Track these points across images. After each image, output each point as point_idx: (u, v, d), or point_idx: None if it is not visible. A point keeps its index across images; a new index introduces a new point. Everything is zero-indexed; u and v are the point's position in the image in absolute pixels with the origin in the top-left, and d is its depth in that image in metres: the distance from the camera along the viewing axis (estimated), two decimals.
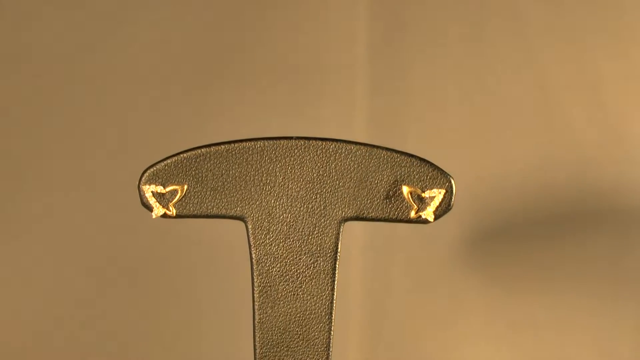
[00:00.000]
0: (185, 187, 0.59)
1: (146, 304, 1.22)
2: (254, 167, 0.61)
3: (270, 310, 0.61)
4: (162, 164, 0.60)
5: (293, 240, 0.62)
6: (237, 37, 1.21)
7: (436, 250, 1.24)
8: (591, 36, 1.20)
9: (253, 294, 0.60)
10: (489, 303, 1.23)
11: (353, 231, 1.23)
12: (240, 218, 0.60)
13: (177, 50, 1.21)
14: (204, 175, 0.60)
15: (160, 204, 0.59)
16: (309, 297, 0.62)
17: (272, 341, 0.61)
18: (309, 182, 0.62)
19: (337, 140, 0.63)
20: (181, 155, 0.60)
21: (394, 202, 0.63)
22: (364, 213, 0.62)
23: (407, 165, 0.63)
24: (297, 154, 0.62)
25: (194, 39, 1.21)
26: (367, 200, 0.62)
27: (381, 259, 1.24)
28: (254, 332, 0.60)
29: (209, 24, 1.21)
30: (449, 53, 1.22)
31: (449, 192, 0.62)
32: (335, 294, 0.62)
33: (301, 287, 0.62)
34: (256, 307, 0.60)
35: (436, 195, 0.63)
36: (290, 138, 0.63)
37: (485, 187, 1.23)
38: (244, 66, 1.22)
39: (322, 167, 0.62)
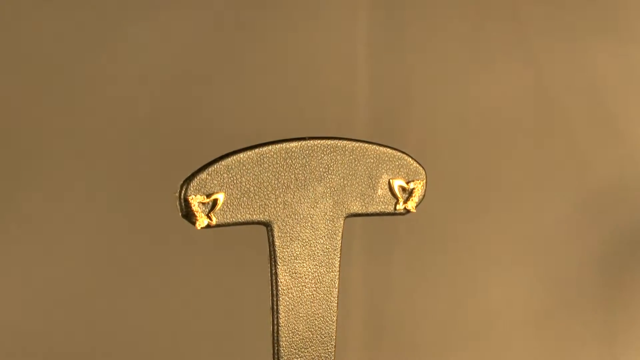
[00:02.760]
0: (224, 194, 0.59)
1: (152, 306, 1.22)
2: (277, 170, 0.61)
3: (292, 314, 0.61)
4: (204, 172, 0.59)
5: (310, 241, 0.63)
6: (237, 37, 1.21)
7: (436, 250, 1.24)
8: (591, 36, 1.20)
9: (276, 299, 0.60)
10: (489, 303, 1.24)
11: (353, 231, 1.23)
12: (266, 223, 0.60)
13: (177, 50, 1.21)
14: (237, 181, 0.59)
15: (204, 214, 0.59)
16: (322, 297, 0.63)
17: (293, 344, 0.62)
18: (320, 182, 0.63)
19: (341, 138, 0.64)
20: (220, 162, 0.59)
21: (384, 196, 0.65)
22: (361, 208, 0.64)
23: (394, 159, 0.65)
24: (311, 154, 0.63)
25: (193, 39, 1.21)
26: (364, 195, 0.64)
27: (381, 259, 1.24)
28: (276, 337, 0.60)
29: (209, 24, 1.20)
30: (449, 53, 1.22)
31: (425, 183, 0.65)
32: (339, 292, 0.64)
33: (316, 287, 0.63)
34: (281, 311, 0.60)
35: (416, 186, 0.65)
36: (304, 139, 0.64)
37: (485, 186, 1.23)
38: (243, 66, 1.22)
39: (331, 166, 0.63)
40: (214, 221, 0.59)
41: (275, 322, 0.60)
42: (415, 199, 0.66)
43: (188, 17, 1.21)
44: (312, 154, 0.62)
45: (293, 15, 1.22)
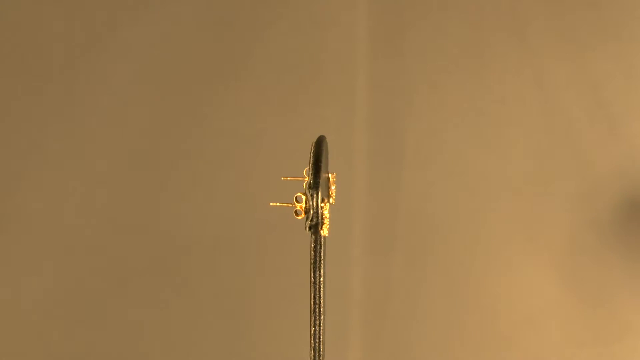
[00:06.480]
0: (325, 199, 0.58)
1: (153, 308, 1.21)
2: (323, 170, 0.61)
3: (322, 314, 0.62)
4: (318, 177, 0.57)
5: (324, 241, 0.63)
6: (237, 37, 1.21)
7: (436, 250, 1.24)
8: (591, 36, 1.21)
9: (319, 301, 0.60)
10: (489, 303, 1.24)
11: (353, 231, 1.23)
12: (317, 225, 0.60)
13: (177, 50, 1.20)
14: (321, 184, 0.59)
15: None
16: (323, 295, 0.63)
17: (325, 343, 0.62)
18: (324, 180, 0.64)
19: (322, 137, 0.65)
20: (319, 165, 0.58)
21: (329, 189, 0.67)
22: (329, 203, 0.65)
23: (326, 152, 0.66)
24: (328, 151, 0.63)
25: (194, 39, 1.20)
26: (327, 189, 0.65)
27: (381, 259, 1.24)
28: (319, 338, 0.60)
29: (209, 24, 1.20)
30: (449, 53, 1.23)
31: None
32: None
33: (322, 286, 0.63)
34: (322, 313, 0.60)
35: (332, 178, 0.67)
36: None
37: (485, 185, 1.24)
38: (244, 66, 1.21)
39: (326, 164, 0.64)
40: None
41: (317, 323, 0.59)
42: (334, 191, 0.66)
43: (188, 16, 1.20)
44: (328, 152, 0.63)
45: (293, 15, 1.22)
